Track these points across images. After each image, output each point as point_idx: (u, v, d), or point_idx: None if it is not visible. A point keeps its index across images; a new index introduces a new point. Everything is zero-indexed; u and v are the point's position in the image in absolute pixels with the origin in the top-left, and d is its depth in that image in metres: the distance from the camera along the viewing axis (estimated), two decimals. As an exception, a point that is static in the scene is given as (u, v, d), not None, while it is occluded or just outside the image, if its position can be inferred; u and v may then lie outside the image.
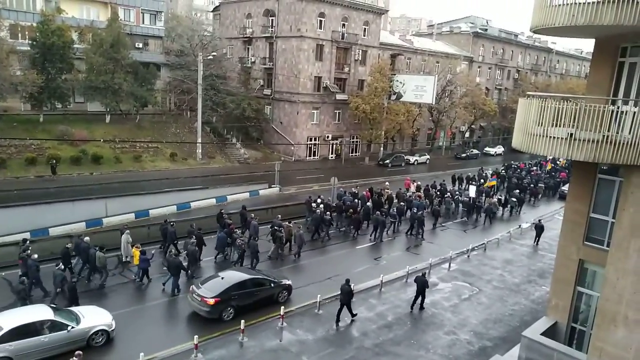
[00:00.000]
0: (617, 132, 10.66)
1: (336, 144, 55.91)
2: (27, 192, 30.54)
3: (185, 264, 20.50)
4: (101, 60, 41.98)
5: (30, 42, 40.45)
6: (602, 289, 12.23)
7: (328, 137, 54.81)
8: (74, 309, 16.25)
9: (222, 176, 40.32)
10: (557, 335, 14.42)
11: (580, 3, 10.63)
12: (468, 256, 26.62)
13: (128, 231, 22.35)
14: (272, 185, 38.23)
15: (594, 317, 13.02)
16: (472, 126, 73.56)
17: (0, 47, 36.90)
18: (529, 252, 28.63)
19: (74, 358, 12.75)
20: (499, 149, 70.49)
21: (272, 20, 53.88)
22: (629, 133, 10.57)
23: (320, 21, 51.46)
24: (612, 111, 10.72)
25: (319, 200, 29.72)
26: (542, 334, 14.03)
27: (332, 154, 55.88)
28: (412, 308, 19.64)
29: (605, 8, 10.29)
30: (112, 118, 45.73)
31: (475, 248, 27.68)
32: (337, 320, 18.01)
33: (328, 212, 28.26)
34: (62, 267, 18.18)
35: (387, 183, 37.89)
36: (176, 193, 33.32)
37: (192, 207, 32.22)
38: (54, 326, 14.70)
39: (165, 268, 20.44)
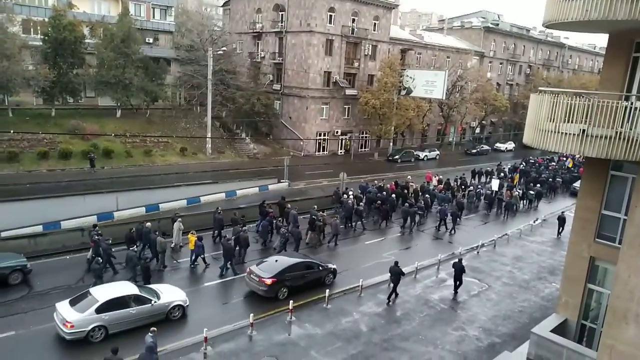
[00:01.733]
0: (631, 129, 10.54)
1: (345, 139, 55.83)
2: (70, 184, 31.63)
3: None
4: (112, 55, 42.26)
5: (42, 37, 40.86)
6: (613, 287, 12.13)
7: (337, 132, 54.75)
8: (152, 286, 17.93)
9: (232, 171, 40.46)
10: (567, 333, 14.34)
11: (594, -3, 10.50)
12: (477, 252, 26.52)
13: (180, 219, 23.94)
14: (281, 180, 38.30)
15: (605, 314, 12.94)
16: (483, 122, 73.07)
17: (13, 42, 37.29)
18: (539, 248, 28.45)
19: (150, 333, 13.66)
20: (510, 145, 70.01)
21: (282, 15, 53.80)
22: (643, 129, 10.44)
23: (330, 16, 51.29)
24: (626, 107, 10.60)
25: (350, 193, 31.28)
26: (551, 331, 13.96)
27: (341, 149, 55.82)
28: (454, 293, 20.93)
29: (620, 2, 10.14)
30: (122, 113, 46.05)
31: (485, 244, 27.57)
32: (389, 298, 19.71)
33: (361, 204, 29.81)
34: (136, 249, 20.31)
35: (409, 177, 38.61)
36: (186, 187, 33.53)
37: (201, 201, 32.41)
38: (140, 300, 16.36)
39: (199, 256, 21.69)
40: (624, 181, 13.00)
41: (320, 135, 53.66)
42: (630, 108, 10.62)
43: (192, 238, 21.71)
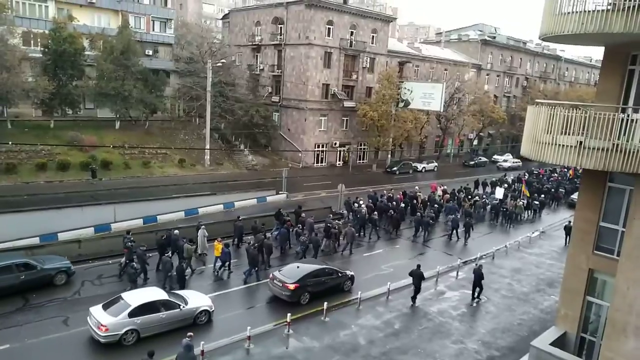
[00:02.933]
0: (627, 141, 10.58)
1: (344, 151, 55.94)
2: (68, 195, 31.59)
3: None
4: (111, 67, 42.42)
5: (42, 49, 40.98)
6: (612, 299, 12.10)
7: (335, 144, 54.86)
8: (179, 292, 18.51)
9: (230, 182, 40.42)
10: (567, 346, 14.27)
11: (589, 11, 10.62)
12: (476, 264, 26.38)
13: (204, 227, 24.69)
14: (280, 192, 38.26)
15: (604, 327, 12.89)
16: (481, 134, 73.31)
17: (13, 54, 37.36)
18: (538, 260, 28.36)
19: (187, 338, 13.85)
20: (508, 157, 70.06)
21: (281, 28, 54.21)
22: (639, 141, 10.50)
23: (329, 29, 51.70)
24: (622, 119, 10.66)
25: (361, 202, 32.35)
26: (551, 344, 13.90)
27: (339, 161, 55.90)
28: (472, 300, 21.54)
29: (615, 16, 10.26)
30: (121, 124, 46.11)
31: (484, 256, 27.49)
32: (413, 300, 20.67)
33: (375, 213, 30.46)
34: (170, 255, 21.08)
35: (417, 187, 39.79)
36: (184, 199, 33.42)
37: (200, 212, 32.30)
38: (169, 305, 16.91)
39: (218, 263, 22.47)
40: (622, 193, 13.03)
41: (318, 146, 53.77)
42: (627, 120, 10.68)
43: (219, 245, 22.30)
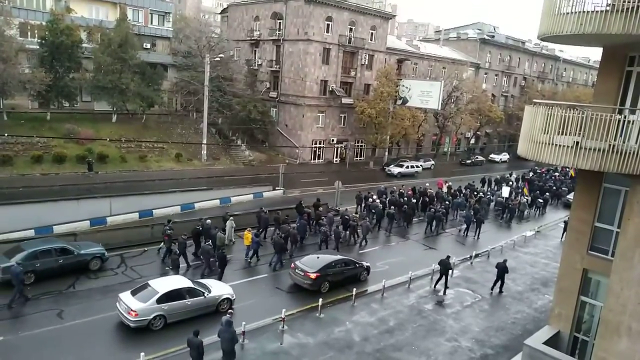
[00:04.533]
0: (624, 142, 10.62)
1: (341, 147, 55.90)
2: (64, 188, 31.60)
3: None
4: (109, 60, 42.18)
5: (39, 40, 40.68)
6: (606, 299, 12.16)
7: (333, 140, 54.83)
8: (201, 280, 19.33)
9: (227, 178, 40.34)
10: (560, 345, 14.35)
11: (588, 12, 10.63)
12: (471, 263, 26.54)
13: (232, 217, 26.32)
14: (276, 188, 38.24)
15: (597, 327, 12.96)
16: (478, 133, 73.41)
17: (10, 45, 37.12)
18: (533, 260, 28.49)
19: (227, 315, 14.92)
20: (504, 156, 70.28)
21: (280, 23, 54.03)
22: (636, 143, 10.54)
23: (328, 25, 51.56)
24: (619, 120, 10.69)
25: (374, 197, 33.82)
26: (544, 343, 13.97)
27: (336, 157, 55.86)
28: (492, 290, 22.75)
29: (613, 17, 10.27)
30: (118, 118, 45.94)
31: (479, 255, 27.58)
32: (434, 285, 22.35)
33: (392, 207, 31.88)
34: (211, 243, 22.18)
35: (427, 184, 41.02)
36: (180, 193, 33.41)
37: (196, 207, 32.26)
38: (194, 293, 17.59)
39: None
40: (617, 194, 13.08)
41: (316, 143, 53.70)
42: (624, 121, 10.71)
43: (249, 235, 23.60)
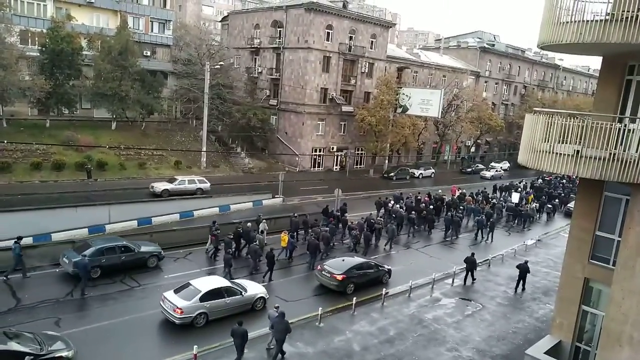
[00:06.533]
0: (624, 150, 10.58)
1: (341, 155, 55.90)
2: (62, 195, 31.62)
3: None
4: (109, 68, 42.30)
5: (39, 48, 40.82)
6: (608, 309, 12.06)
7: (333, 148, 54.84)
8: (237, 280, 20.29)
9: (226, 185, 40.26)
10: (561, 355, 14.22)
11: (587, 21, 10.62)
12: (453, 281, 26.33)
13: (265, 220, 27.88)
14: (276, 196, 38.16)
15: (599, 336, 12.84)
16: (478, 141, 73.43)
17: (10, 53, 37.23)
18: (533, 269, 28.16)
19: (274, 309, 16.05)
20: (505, 165, 70.24)
21: (280, 31, 54.23)
22: (636, 151, 10.49)
23: (328, 33, 51.75)
24: (619, 129, 10.66)
25: (392, 202, 35.56)
26: (545, 353, 13.85)
27: (336, 165, 55.84)
28: (515, 291, 23.96)
29: (613, 27, 10.27)
30: (118, 125, 45.96)
31: (480, 263, 27.44)
32: (465, 282, 24.23)
33: (413, 212, 33.14)
34: (258, 244, 23.85)
35: (440, 190, 42.17)
36: (179, 201, 33.33)
37: (195, 215, 32.16)
38: (232, 291, 18.57)
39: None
40: (618, 202, 13.02)
41: (315, 151, 53.72)
42: (624, 130, 10.68)
43: (285, 237, 25.08)
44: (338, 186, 36.16)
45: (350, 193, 40.06)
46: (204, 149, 46.21)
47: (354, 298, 20.30)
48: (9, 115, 41.43)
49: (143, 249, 22.45)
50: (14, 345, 13.23)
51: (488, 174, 61.91)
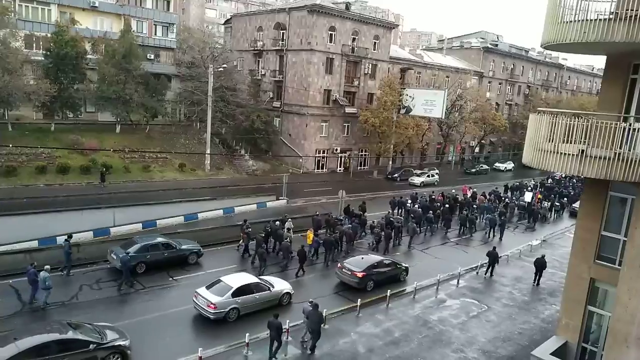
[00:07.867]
0: (629, 150, 10.52)
1: (344, 157, 55.88)
2: (67, 199, 31.96)
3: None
4: (113, 71, 42.50)
5: (44, 52, 41.11)
6: (614, 309, 11.99)
7: (336, 150, 54.84)
8: (264, 277, 20.91)
9: (230, 187, 40.33)
10: (568, 356, 14.15)
11: (591, 20, 10.58)
12: (477, 272, 26.30)
13: (290, 219, 28.97)
14: (280, 198, 38.18)
15: (605, 337, 12.77)
16: (482, 141, 73.27)
17: (15, 57, 37.45)
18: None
19: (309, 303, 16.84)
20: (509, 165, 70.04)
21: (283, 33, 54.32)
22: (642, 151, 10.43)
23: (331, 35, 51.79)
24: (624, 128, 10.60)
25: (410, 202, 37.11)
26: (551, 354, 13.78)
27: (340, 167, 55.83)
28: (534, 283, 25.18)
29: (617, 25, 10.22)
30: (122, 128, 46.15)
31: (485, 264, 27.33)
32: (485, 274, 25.63)
33: (430, 212, 33.82)
34: (289, 241, 25.27)
35: (453, 190, 43.21)
36: (184, 204, 33.40)
37: (199, 217, 32.22)
38: (260, 287, 19.32)
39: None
40: (623, 202, 12.95)
41: (319, 152, 53.73)
42: (629, 129, 10.62)
43: (310, 235, 26.31)
44: (342, 187, 36.11)
45: (355, 194, 39.98)
46: (208, 151, 46.30)
47: (359, 300, 20.29)
48: (14, 119, 41.69)
49: (184, 246, 23.65)
50: (79, 335, 14.37)
51: (418, 180, 51.95)
